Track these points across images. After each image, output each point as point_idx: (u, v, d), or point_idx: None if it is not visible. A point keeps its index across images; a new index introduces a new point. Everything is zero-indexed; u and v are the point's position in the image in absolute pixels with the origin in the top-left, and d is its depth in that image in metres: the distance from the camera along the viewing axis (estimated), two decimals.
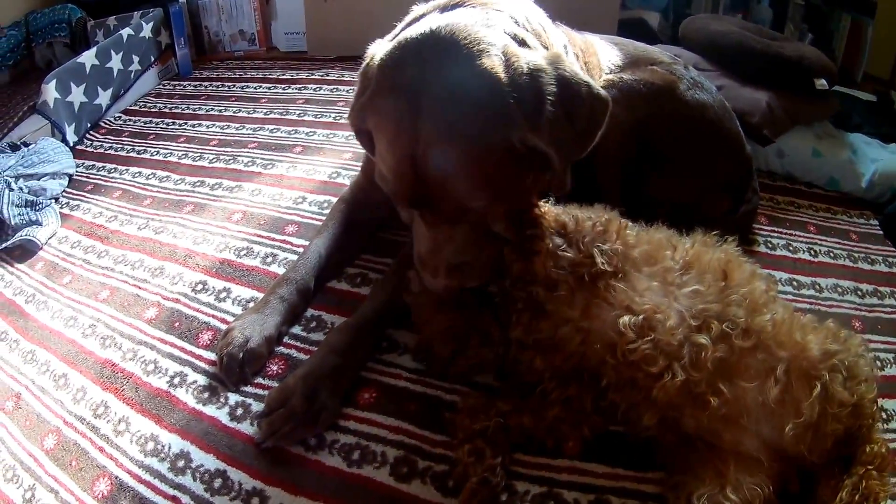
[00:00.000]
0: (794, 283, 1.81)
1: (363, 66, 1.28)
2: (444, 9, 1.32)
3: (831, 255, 1.96)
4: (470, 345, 1.32)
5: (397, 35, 1.27)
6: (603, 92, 1.22)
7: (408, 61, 1.15)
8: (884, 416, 1.42)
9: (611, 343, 1.16)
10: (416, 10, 1.41)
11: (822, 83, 2.35)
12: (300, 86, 3.16)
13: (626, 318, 1.15)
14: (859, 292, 1.81)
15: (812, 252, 1.96)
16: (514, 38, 1.23)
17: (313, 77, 3.26)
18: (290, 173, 2.26)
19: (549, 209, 1.30)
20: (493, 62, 1.12)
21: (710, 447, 1.14)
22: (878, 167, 2.25)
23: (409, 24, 1.32)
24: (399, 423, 1.33)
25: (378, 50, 1.24)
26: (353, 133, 1.32)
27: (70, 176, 2.42)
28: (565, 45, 1.51)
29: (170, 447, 1.30)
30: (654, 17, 3.38)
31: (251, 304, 1.59)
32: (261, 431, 1.29)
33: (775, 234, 2.02)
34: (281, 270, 1.69)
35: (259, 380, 1.43)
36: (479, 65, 1.11)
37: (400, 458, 1.27)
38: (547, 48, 1.33)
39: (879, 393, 1.31)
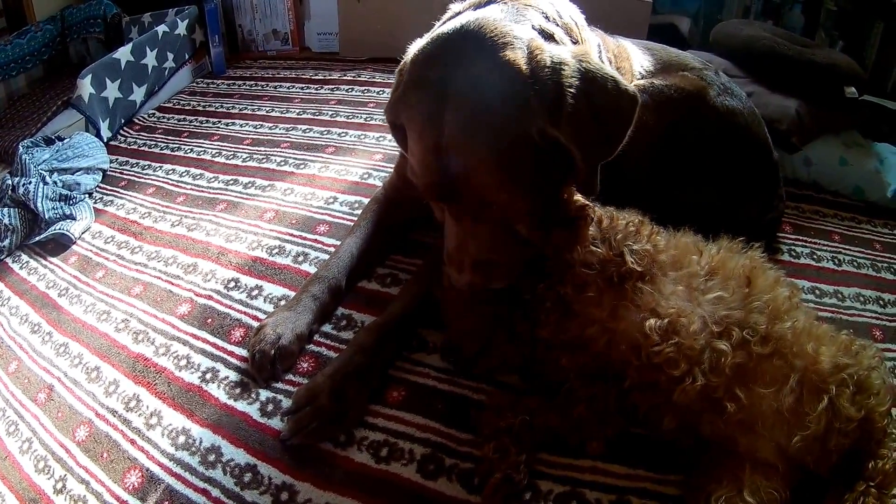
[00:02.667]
0: (817, 291, 1.80)
1: (401, 63, 1.31)
2: (477, 6, 1.35)
3: (855, 264, 1.95)
4: (496, 343, 1.35)
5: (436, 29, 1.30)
6: (631, 88, 1.21)
7: (437, 56, 1.20)
8: None
9: (635, 345, 1.18)
10: (453, 7, 1.44)
11: (851, 91, 2.33)
12: (333, 86, 3.19)
13: (651, 321, 1.16)
14: (881, 301, 1.80)
15: (836, 261, 1.95)
16: (542, 32, 1.25)
17: (346, 78, 3.29)
18: (321, 173, 2.29)
19: (589, 204, 1.32)
20: (517, 55, 1.14)
21: (726, 452, 1.15)
22: None
23: (445, 21, 1.35)
24: (427, 421, 1.35)
25: (414, 47, 1.28)
26: (384, 134, 1.37)
27: (104, 171, 2.45)
28: (599, 45, 1.54)
29: (201, 441, 1.33)
30: (684, 22, 3.39)
31: (283, 302, 1.62)
32: (286, 428, 1.31)
33: (800, 243, 2.01)
34: (312, 269, 1.72)
35: (290, 377, 1.45)
36: (501, 57, 1.14)
37: (427, 455, 1.28)
38: (577, 43, 1.35)
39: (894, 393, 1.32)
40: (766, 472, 1.11)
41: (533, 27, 1.24)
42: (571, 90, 1.13)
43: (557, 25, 1.33)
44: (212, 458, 1.30)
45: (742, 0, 3.42)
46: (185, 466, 1.29)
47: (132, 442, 1.35)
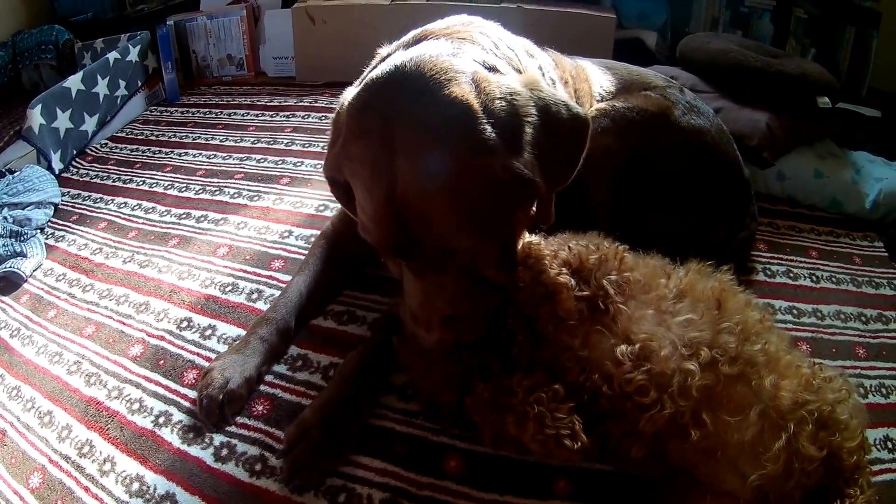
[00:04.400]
0: (795, 311, 1.80)
1: (334, 115, 1.26)
2: (407, 45, 1.32)
3: (834, 280, 1.95)
4: (473, 386, 1.30)
5: (364, 78, 1.26)
6: (582, 111, 1.21)
7: (375, 102, 1.14)
8: (890, 445, 1.41)
9: (607, 373, 1.16)
10: (381, 51, 1.41)
11: (824, 101, 2.34)
12: (288, 113, 3.17)
13: (623, 348, 1.15)
14: (863, 318, 1.80)
15: (813, 278, 1.95)
16: (484, 64, 1.22)
17: (301, 104, 3.27)
18: (276, 206, 2.26)
19: (542, 245, 1.30)
20: (464, 90, 1.10)
21: (692, 483, 1.14)
22: (882, 186, 2.24)
23: (375, 66, 1.32)
24: (385, 465, 1.32)
25: (346, 95, 1.23)
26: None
27: (56, 205, 2.42)
28: (541, 68, 1.50)
29: (155, 488, 1.30)
30: (651, 36, 3.39)
31: (236, 342, 1.59)
32: (284, 471, 1.28)
33: (775, 261, 2.01)
34: (266, 307, 1.69)
35: (245, 420, 1.43)
36: (448, 94, 1.09)
37: (387, 500, 1.26)
38: (520, 72, 1.31)
39: (885, 421, 1.36)
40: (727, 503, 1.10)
41: (474, 60, 1.21)
42: (528, 119, 1.13)
43: (497, 57, 1.31)
44: None
45: (710, 11, 3.44)
46: None
47: (86, 489, 1.33)
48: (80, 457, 1.40)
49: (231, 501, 1.28)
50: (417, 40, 1.33)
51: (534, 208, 1.23)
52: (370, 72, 1.29)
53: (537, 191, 1.15)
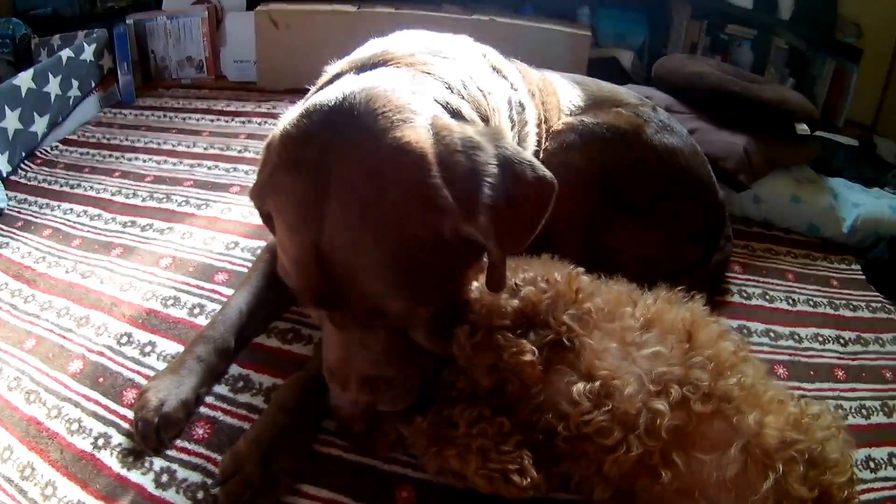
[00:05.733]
0: (772, 333, 1.77)
1: (268, 138, 1.12)
2: (361, 68, 1.20)
3: (811, 303, 1.94)
4: (385, 422, 1.24)
5: (308, 99, 1.15)
6: (548, 174, 1.07)
7: (314, 132, 1.01)
8: (872, 465, 1.42)
9: (563, 413, 1.08)
10: (330, 69, 1.30)
11: (803, 128, 2.34)
12: (245, 119, 3.06)
13: (580, 386, 1.06)
14: (841, 340, 1.80)
15: (790, 301, 1.93)
16: (447, 106, 1.11)
17: (260, 110, 3.17)
18: (224, 216, 2.17)
19: (487, 302, 1.16)
20: (419, 135, 0.98)
21: None
22: (860, 212, 2.24)
23: (322, 86, 1.21)
24: (334, 495, 1.25)
25: (284, 119, 1.09)
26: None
27: (1, 210, 2.31)
28: (507, 105, 1.41)
29: None
30: (627, 56, 3.37)
31: (173, 361, 1.50)
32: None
33: (751, 283, 1.99)
34: (203, 328, 1.59)
35: (185, 444, 1.35)
36: (399, 137, 0.97)
37: None
38: (487, 119, 1.22)
39: (867, 442, 1.34)
40: None
41: (436, 100, 1.11)
42: (488, 178, 1.00)
43: (463, 98, 1.19)
44: None
45: (689, 36, 3.45)
46: None
47: None
48: (23, 479, 1.31)
49: None
50: (374, 64, 1.21)
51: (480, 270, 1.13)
52: (314, 93, 1.20)
53: (490, 257, 1.05)
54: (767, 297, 1.94)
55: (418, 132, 0.99)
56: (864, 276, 2.13)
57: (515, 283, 1.17)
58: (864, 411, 1.56)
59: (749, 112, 2.31)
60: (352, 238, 0.97)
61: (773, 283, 2.00)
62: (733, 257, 2.02)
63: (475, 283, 1.17)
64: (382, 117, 0.99)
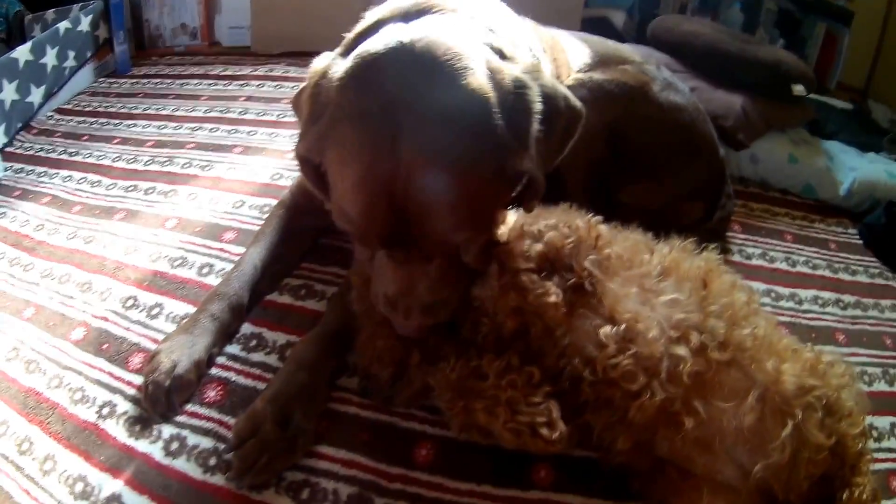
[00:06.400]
0: (773, 294, 1.74)
1: (309, 86, 1.10)
2: (407, 16, 1.16)
3: (810, 265, 1.91)
4: (412, 367, 1.18)
5: (350, 47, 1.11)
6: (578, 104, 1.14)
7: (379, 80, 0.99)
8: (874, 434, 1.36)
9: (590, 358, 1.05)
10: (370, 16, 1.24)
11: (799, 89, 2.30)
12: (242, 82, 2.99)
13: (607, 329, 1.03)
14: (841, 304, 1.77)
15: (790, 262, 1.91)
16: (493, 48, 1.10)
17: (257, 73, 3.10)
18: (228, 175, 2.10)
19: (512, 247, 1.14)
20: (480, 80, 0.99)
21: (683, 475, 1.04)
22: (857, 175, 2.22)
23: (363, 34, 1.15)
24: (351, 455, 1.19)
25: (330, 67, 1.07)
26: (298, 131, 1.13)
27: None
28: (531, 49, 1.40)
29: (100, 489, 1.15)
30: (619, 16, 3.29)
31: (184, 321, 1.43)
32: (232, 470, 1.14)
33: (750, 243, 1.96)
34: (218, 282, 1.52)
35: (195, 408, 1.28)
36: (466, 84, 0.97)
37: (354, 495, 1.13)
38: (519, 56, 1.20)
39: (869, 410, 1.24)
40: (727, 496, 1.01)
41: (484, 43, 1.09)
42: (537, 115, 1.04)
43: (502, 39, 1.18)
44: None
45: None
46: None
47: (27, 492, 1.17)
48: (20, 454, 1.24)
49: (182, 502, 1.13)
50: (418, 12, 1.17)
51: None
52: (358, 40, 1.14)
53: (537, 187, 1.07)
54: (767, 257, 1.92)
55: (479, 77, 0.99)
56: (860, 241, 2.12)
57: (538, 229, 1.15)
58: (865, 377, 1.53)
59: (745, 72, 2.29)
60: (427, 181, 0.96)
61: (772, 244, 1.98)
62: (733, 217, 1.99)
63: (501, 227, 1.16)
64: (446, 65, 0.98)
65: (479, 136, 0.98)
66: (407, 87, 0.97)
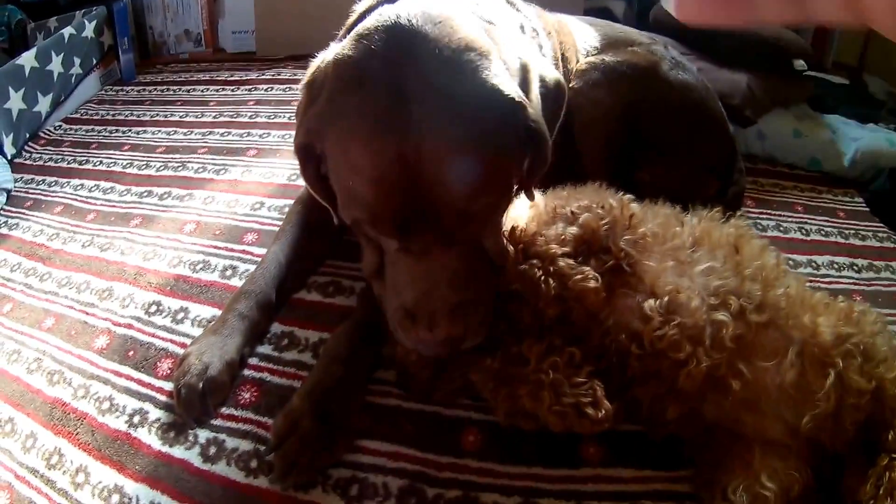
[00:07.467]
0: (791, 262, 1.72)
1: (307, 78, 1.06)
2: None
3: (822, 232, 1.91)
4: (451, 367, 1.14)
5: (343, 37, 1.09)
6: (560, 77, 1.14)
7: (375, 50, 0.93)
8: None
9: (635, 332, 1.03)
10: (359, 7, 1.20)
11: (800, 63, 2.32)
12: (250, 87, 2.95)
13: (651, 302, 1.02)
14: (855, 267, 1.77)
15: (803, 231, 1.91)
16: (482, 18, 1.08)
17: (264, 77, 3.05)
18: (244, 178, 2.06)
19: (546, 236, 1.10)
20: (478, 37, 0.96)
21: (733, 437, 1.04)
22: (859, 145, 2.21)
23: (355, 23, 1.11)
24: (397, 447, 1.15)
25: (326, 54, 1.03)
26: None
27: (8, 192, 2.19)
28: (522, 25, 1.37)
29: (137, 500, 1.10)
30: (618, 6, 3.30)
31: (212, 322, 1.39)
32: (274, 472, 1.10)
33: (764, 216, 1.95)
34: (242, 283, 1.48)
35: (230, 411, 1.23)
36: (464, 38, 0.94)
37: (405, 488, 1.09)
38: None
39: None
40: (779, 452, 1.00)
41: (472, 13, 1.07)
42: (532, 74, 1.04)
43: (486, 14, 1.16)
44: None
45: None
46: None
47: None
48: (49, 469, 1.18)
49: None
50: None
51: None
52: (347, 30, 1.13)
53: (545, 149, 1.02)
54: (781, 228, 1.92)
55: (476, 35, 0.97)
56: (867, 208, 2.12)
57: (572, 211, 1.12)
58: None
59: (748, 49, 2.29)
60: (440, 142, 0.90)
61: (784, 216, 1.98)
62: (744, 192, 1.99)
63: (529, 212, 1.15)
64: (441, 25, 0.95)
65: (487, 91, 0.93)
66: (406, 51, 0.92)
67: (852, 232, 1.94)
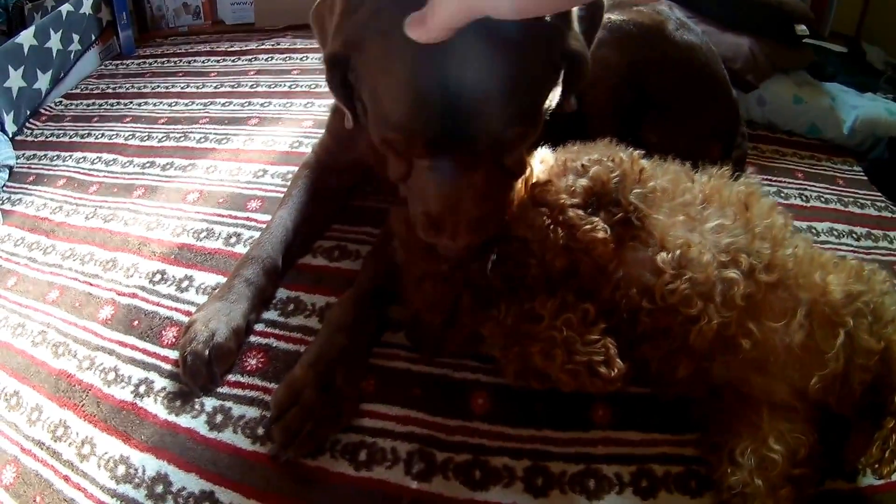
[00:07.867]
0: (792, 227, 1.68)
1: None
2: None
3: (822, 199, 1.91)
4: (463, 311, 1.11)
5: None
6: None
7: None
8: None
9: (647, 286, 1.01)
10: None
11: (802, 28, 2.28)
12: (251, 57, 2.92)
13: (663, 255, 1.00)
14: (854, 235, 1.77)
15: (804, 197, 1.90)
16: None
17: (264, 47, 3.02)
18: (247, 146, 2.04)
19: (556, 186, 1.07)
20: None
21: (740, 399, 1.04)
22: (858, 113, 2.20)
23: None
24: (406, 411, 1.14)
25: None
26: (311, 100, 1.08)
27: (10, 168, 2.16)
28: None
29: (144, 470, 1.08)
30: None
31: (218, 289, 1.36)
32: (275, 443, 1.08)
33: (765, 182, 1.94)
34: (247, 250, 1.46)
35: (237, 378, 1.21)
36: None
37: (414, 452, 1.08)
38: None
39: None
40: (786, 415, 1.01)
41: None
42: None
43: None
44: (159, 488, 1.05)
45: None
46: (129, 503, 1.05)
47: (66, 479, 1.10)
48: (55, 441, 1.17)
49: (234, 475, 1.07)
50: None
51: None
52: None
53: (583, 73, 1.02)
54: (782, 194, 1.91)
55: None
56: (866, 177, 2.12)
57: (582, 164, 1.09)
58: None
59: (750, 13, 2.26)
60: (483, 67, 0.87)
61: (785, 182, 1.98)
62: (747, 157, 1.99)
63: (540, 166, 1.11)
64: None
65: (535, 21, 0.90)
66: None
67: (851, 200, 1.94)
